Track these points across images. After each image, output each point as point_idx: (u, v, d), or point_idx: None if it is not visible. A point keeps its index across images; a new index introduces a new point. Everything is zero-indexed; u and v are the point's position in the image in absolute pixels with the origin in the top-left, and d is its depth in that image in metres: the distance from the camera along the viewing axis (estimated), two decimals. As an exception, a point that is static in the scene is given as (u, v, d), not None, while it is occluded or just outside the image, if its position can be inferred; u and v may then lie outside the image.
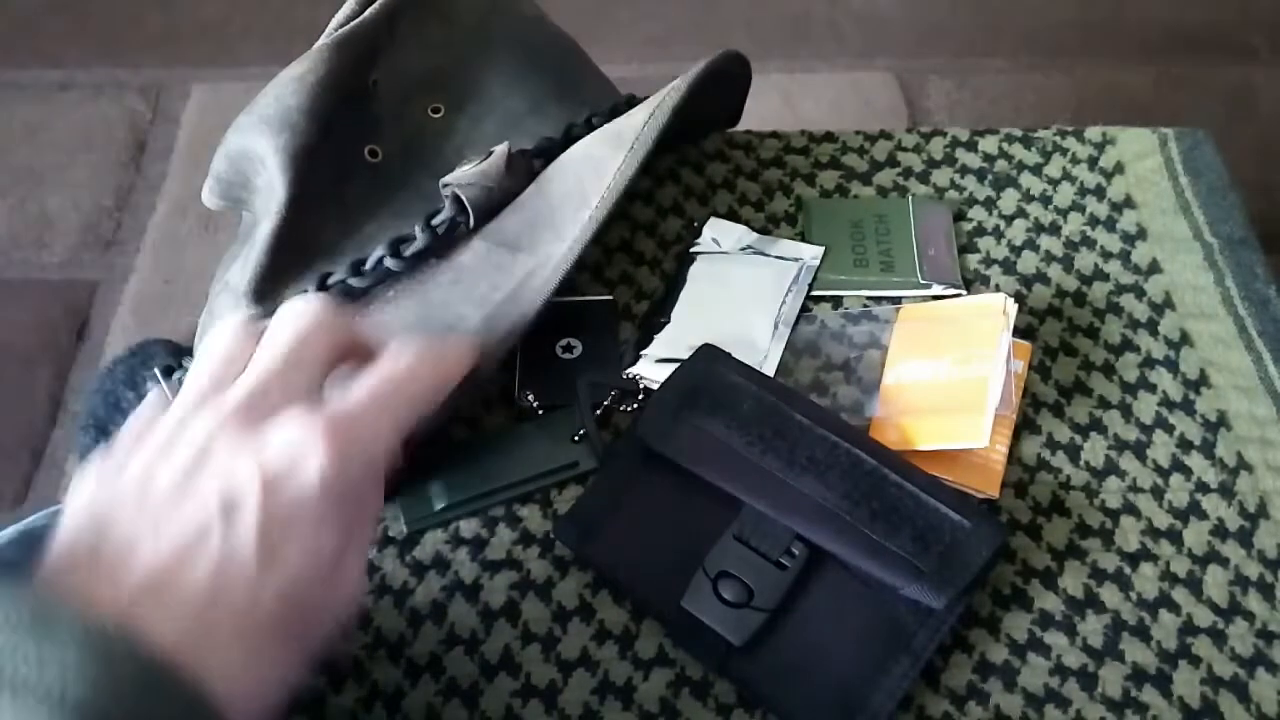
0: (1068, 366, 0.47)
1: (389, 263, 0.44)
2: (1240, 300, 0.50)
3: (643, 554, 0.41)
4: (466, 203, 0.44)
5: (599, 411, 0.45)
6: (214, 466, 0.30)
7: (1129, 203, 0.54)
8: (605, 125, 0.46)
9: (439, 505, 0.43)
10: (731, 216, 0.53)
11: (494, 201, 0.45)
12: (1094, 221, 0.53)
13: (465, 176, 0.44)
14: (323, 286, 0.44)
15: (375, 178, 0.47)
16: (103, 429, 0.84)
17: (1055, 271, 0.51)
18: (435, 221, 0.44)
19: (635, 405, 0.46)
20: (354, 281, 0.44)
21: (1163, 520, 0.43)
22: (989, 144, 0.56)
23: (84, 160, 1.20)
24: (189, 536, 0.28)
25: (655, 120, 0.43)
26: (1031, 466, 0.45)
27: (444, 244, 0.45)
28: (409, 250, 0.44)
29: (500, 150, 0.45)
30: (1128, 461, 0.45)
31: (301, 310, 0.34)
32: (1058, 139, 0.56)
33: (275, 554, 0.29)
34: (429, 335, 0.37)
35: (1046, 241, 0.52)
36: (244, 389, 0.32)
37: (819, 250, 0.51)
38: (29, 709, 0.23)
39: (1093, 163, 0.55)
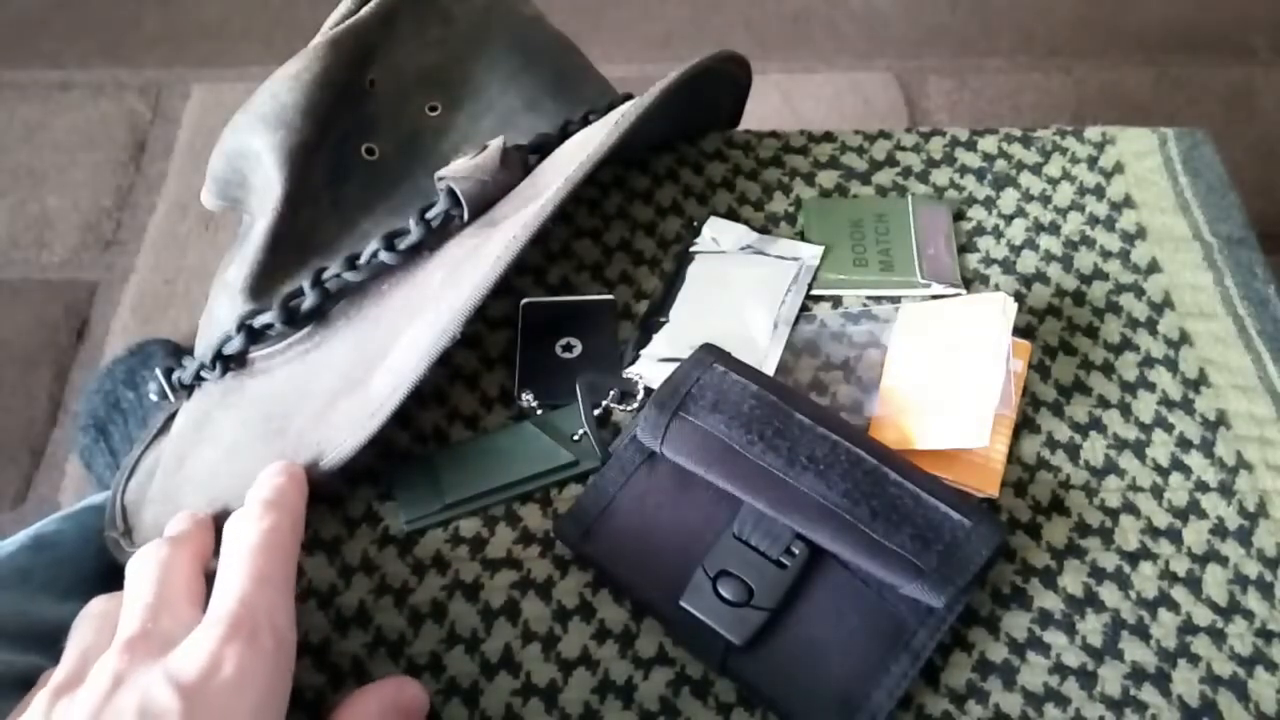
0: (1067, 366, 0.47)
1: (383, 256, 0.44)
2: (1239, 300, 0.50)
3: (643, 553, 0.41)
4: (460, 196, 0.44)
5: (599, 411, 0.46)
6: (126, 695, 0.29)
7: (1128, 202, 0.54)
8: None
9: (439, 505, 0.43)
10: (731, 216, 0.53)
11: (488, 195, 0.45)
12: (1093, 221, 0.53)
13: (460, 170, 0.44)
14: (317, 282, 0.44)
15: (372, 175, 0.47)
16: (102, 429, 0.85)
17: (1055, 271, 0.51)
18: (429, 215, 0.44)
19: (635, 405, 0.46)
20: (349, 275, 0.44)
21: (1162, 519, 0.43)
22: (988, 144, 0.56)
23: (84, 160, 1.20)
24: None
25: (643, 99, 0.42)
26: (1031, 465, 0.45)
27: (438, 237, 0.45)
28: (403, 244, 0.44)
29: (495, 144, 0.45)
30: (1127, 460, 0.45)
31: (152, 548, 0.35)
32: (1057, 139, 0.56)
33: None
34: (255, 490, 0.37)
35: (1046, 241, 0.52)
36: (130, 629, 0.32)
37: (818, 250, 0.51)
38: None
39: (1092, 162, 0.55)
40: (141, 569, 0.34)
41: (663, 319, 0.48)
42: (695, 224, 0.53)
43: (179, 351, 0.89)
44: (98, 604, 0.35)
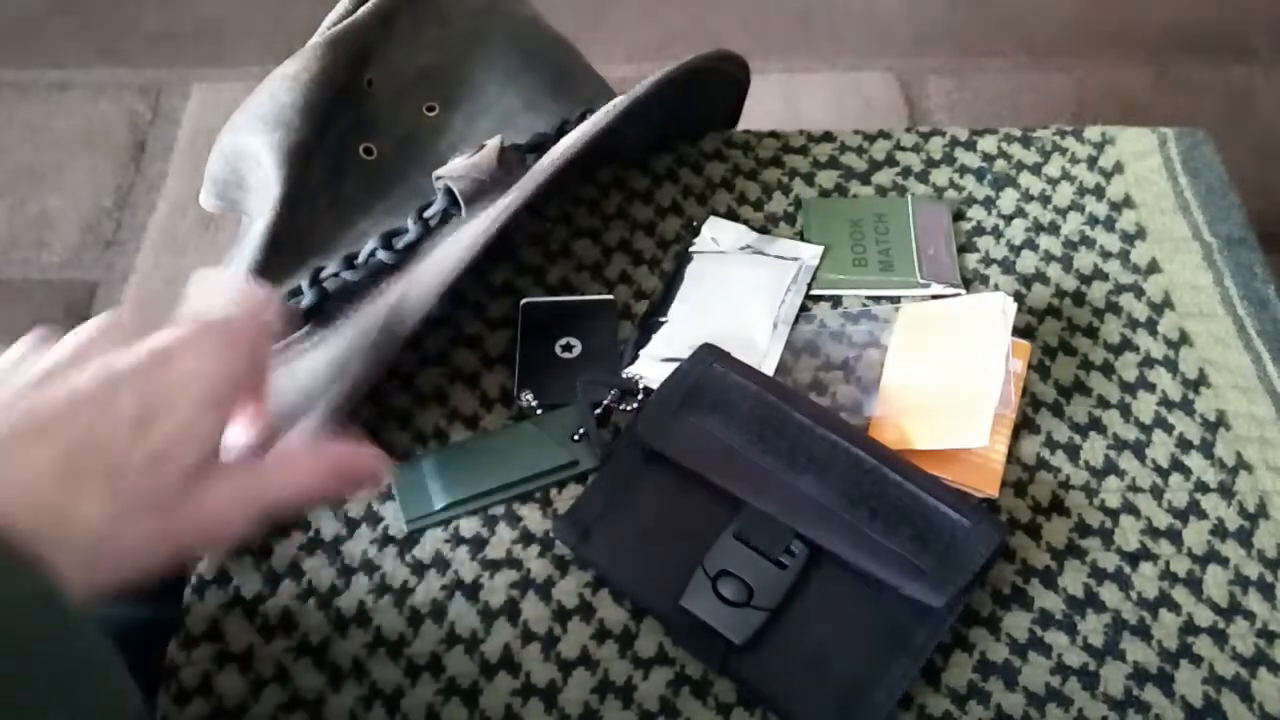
0: (1067, 366, 0.47)
1: (381, 255, 0.44)
2: (1239, 300, 0.50)
3: (642, 553, 0.41)
4: (458, 195, 0.44)
5: (599, 411, 0.45)
6: (92, 362, 0.29)
7: (1128, 202, 0.53)
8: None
9: (439, 504, 0.43)
10: (731, 216, 0.53)
11: (486, 194, 0.45)
12: (1093, 221, 0.53)
13: (457, 169, 0.44)
14: (316, 281, 0.44)
15: (370, 175, 0.47)
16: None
17: (1054, 271, 0.51)
18: (427, 214, 0.44)
19: (635, 405, 0.46)
20: (347, 275, 0.44)
21: (1162, 520, 0.43)
22: (988, 144, 0.56)
23: (84, 160, 1.20)
24: (60, 405, 0.28)
25: (637, 88, 0.42)
26: (1031, 466, 0.45)
27: (436, 236, 0.45)
28: (401, 243, 0.44)
29: (493, 143, 0.45)
30: (1127, 461, 0.45)
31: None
32: (1057, 139, 0.56)
33: (151, 423, 0.28)
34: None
35: (1046, 241, 0.52)
36: (109, 321, 0.31)
37: (818, 249, 0.51)
38: None
39: (1092, 162, 0.55)
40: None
41: (662, 319, 0.48)
42: (695, 224, 0.52)
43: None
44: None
